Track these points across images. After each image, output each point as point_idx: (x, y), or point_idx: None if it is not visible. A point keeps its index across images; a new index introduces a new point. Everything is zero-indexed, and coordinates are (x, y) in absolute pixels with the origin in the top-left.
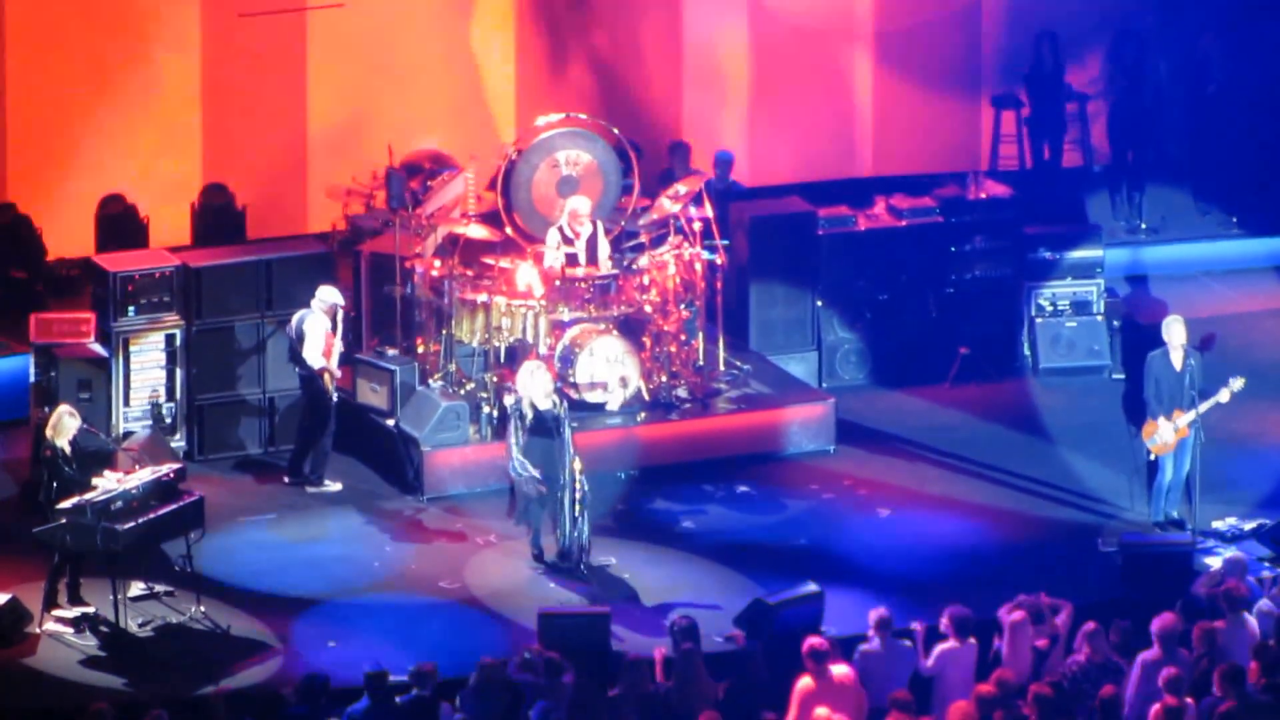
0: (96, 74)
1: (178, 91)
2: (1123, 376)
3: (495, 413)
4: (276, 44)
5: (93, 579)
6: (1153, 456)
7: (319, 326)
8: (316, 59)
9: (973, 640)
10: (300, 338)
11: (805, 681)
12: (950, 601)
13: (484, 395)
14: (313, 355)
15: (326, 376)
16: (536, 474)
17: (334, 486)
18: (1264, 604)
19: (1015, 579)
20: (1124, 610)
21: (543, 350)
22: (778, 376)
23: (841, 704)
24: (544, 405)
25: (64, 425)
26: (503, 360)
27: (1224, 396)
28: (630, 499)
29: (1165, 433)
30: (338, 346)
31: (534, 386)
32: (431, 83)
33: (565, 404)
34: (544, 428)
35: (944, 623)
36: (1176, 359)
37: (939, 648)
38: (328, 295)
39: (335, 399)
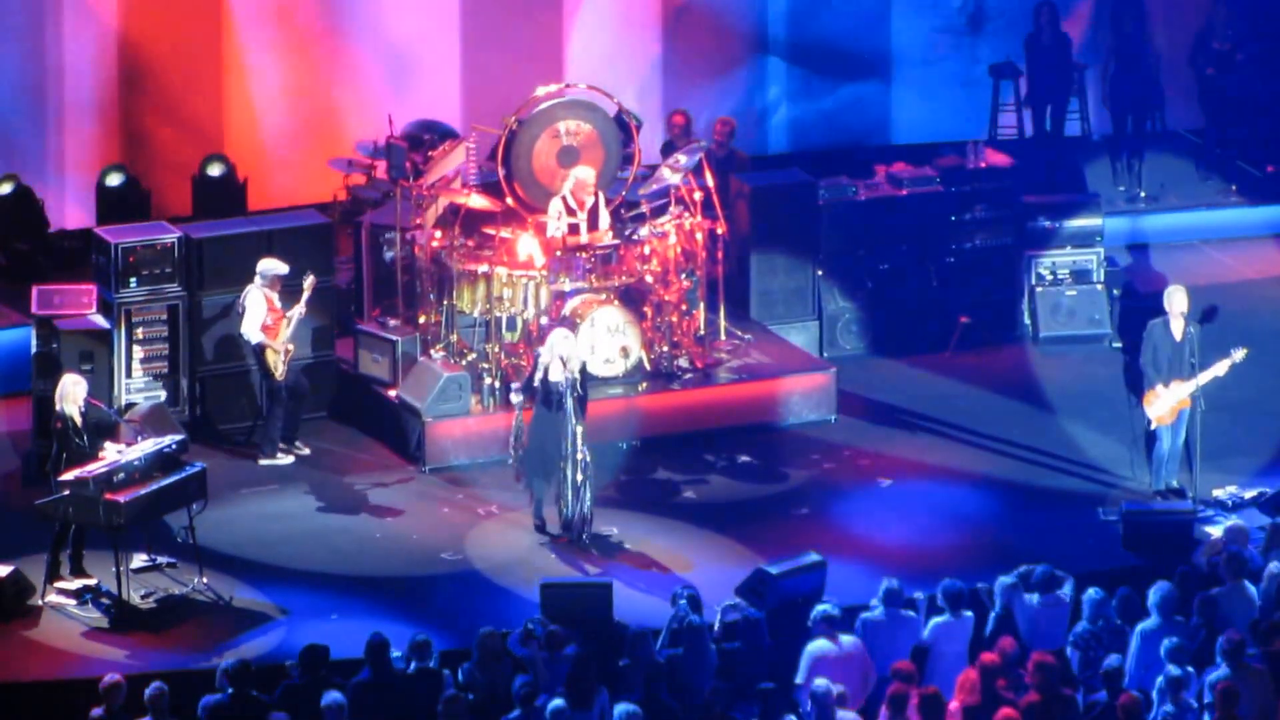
0: None
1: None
2: (1121, 345)
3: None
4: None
5: (95, 550)
6: (1153, 426)
7: (259, 300)
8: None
9: (968, 614)
10: (241, 312)
11: (818, 644)
12: (951, 571)
13: (485, 366)
14: (250, 329)
15: (269, 352)
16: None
17: (285, 460)
18: (1275, 566)
19: (1016, 549)
20: (1125, 579)
21: (544, 321)
22: (778, 346)
23: (850, 672)
24: (555, 376)
25: (71, 393)
26: (503, 331)
27: (1224, 368)
28: (632, 469)
29: (1166, 402)
30: (295, 317)
31: (562, 352)
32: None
33: (577, 378)
34: (549, 399)
35: (938, 596)
36: (1177, 328)
37: (933, 621)
38: (268, 268)
39: (283, 375)
